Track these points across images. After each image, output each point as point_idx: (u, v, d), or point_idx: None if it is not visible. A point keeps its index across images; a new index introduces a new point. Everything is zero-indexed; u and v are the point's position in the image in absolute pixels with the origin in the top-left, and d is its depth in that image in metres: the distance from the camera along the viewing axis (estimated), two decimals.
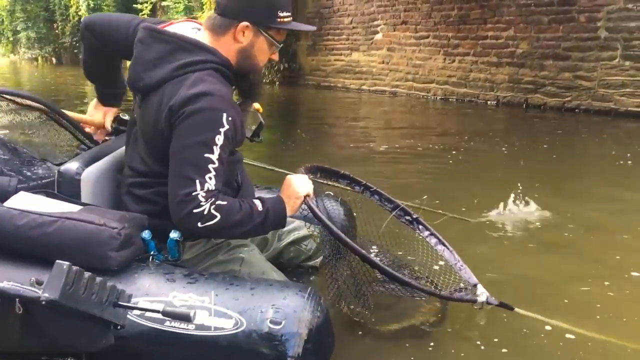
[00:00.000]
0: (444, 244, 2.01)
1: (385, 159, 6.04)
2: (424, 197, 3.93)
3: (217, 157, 1.69)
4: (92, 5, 22.63)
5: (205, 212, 1.66)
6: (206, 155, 1.68)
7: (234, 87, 1.91)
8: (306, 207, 1.99)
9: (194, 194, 1.65)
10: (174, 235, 1.72)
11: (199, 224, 1.67)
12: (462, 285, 1.96)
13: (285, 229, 2.10)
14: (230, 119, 1.72)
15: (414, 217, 2.10)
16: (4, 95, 2.09)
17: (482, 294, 1.93)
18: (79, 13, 24.70)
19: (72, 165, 1.89)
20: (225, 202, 1.71)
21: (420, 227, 2.05)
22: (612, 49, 8.84)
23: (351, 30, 13.83)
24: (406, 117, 9.94)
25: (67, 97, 13.34)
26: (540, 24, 9.74)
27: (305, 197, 1.90)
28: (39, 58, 29.73)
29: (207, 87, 1.73)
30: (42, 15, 28.41)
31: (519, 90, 10.21)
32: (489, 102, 10.67)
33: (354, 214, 2.51)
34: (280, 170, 3.07)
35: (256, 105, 2.05)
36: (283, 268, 2.17)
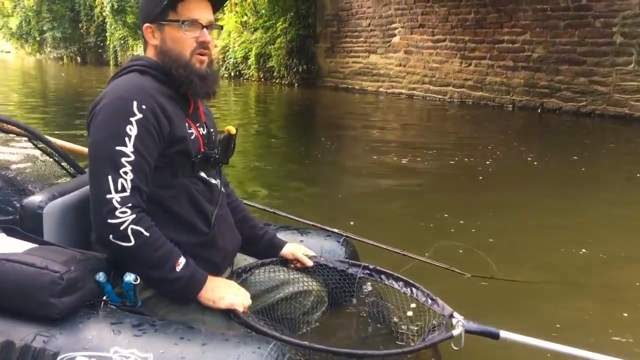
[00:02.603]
0: (410, 284, 1.86)
1: (410, 175, 5.52)
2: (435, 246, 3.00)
3: (131, 149, 1.49)
4: (116, 6, 23.08)
5: (121, 228, 1.47)
6: (117, 147, 1.49)
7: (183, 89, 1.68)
8: (295, 261, 1.94)
9: (107, 196, 1.47)
10: (128, 278, 1.51)
11: (111, 237, 1.48)
12: (434, 322, 1.75)
13: (278, 281, 1.91)
14: (143, 107, 1.52)
15: (371, 267, 1.95)
16: None
17: (458, 324, 1.67)
18: (104, 13, 25.23)
19: (35, 199, 1.71)
20: (147, 233, 1.50)
21: (382, 276, 1.91)
22: (627, 54, 8.89)
23: (369, 32, 13.98)
24: (428, 124, 9.83)
25: (92, 97, 13.67)
26: (556, 29, 9.81)
27: (231, 307, 1.60)
28: (64, 57, 30.39)
29: (118, 82, 1.61)
30: (67, 15, 29.04)
31: (535, 94, 10.28)
32: (504, 105, 10.76)
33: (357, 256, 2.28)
34: (302, 220, 2.59)
35: (228, 127, 1.81)
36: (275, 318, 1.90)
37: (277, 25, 15.93)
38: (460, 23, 11.54)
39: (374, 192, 4.83)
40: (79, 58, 29.56)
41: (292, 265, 1.97)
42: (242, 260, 1.94)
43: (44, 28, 30.34)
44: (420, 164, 5.96)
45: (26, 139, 2.20)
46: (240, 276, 1.85)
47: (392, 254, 2.55)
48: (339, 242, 2.24)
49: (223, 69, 18.18)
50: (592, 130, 8.56)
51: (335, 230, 2.34)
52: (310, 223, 2.45)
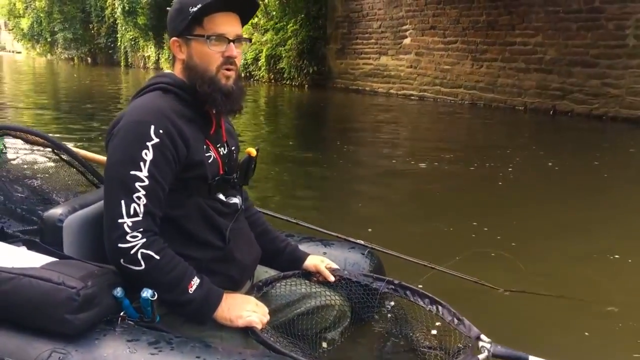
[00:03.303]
0: (436, 301, 1.79)
1: (430, 181, 5.40)
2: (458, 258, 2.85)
3: (146, 174, 1.47)
4: (127, 7, 23.19)
5: (132, 252, 1.46)
6: (132, 172, 1.47)
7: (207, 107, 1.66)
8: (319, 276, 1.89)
9: (119, 221, 1.46)
10: (145, 294, 1.48)
11: (122, 261, 1.48)
12: (459, 345, 1.68)
13: (300, 295, 1.87)
14: (161, 131, 1.50)
15: (396, 282, 1.89)
16: (13, 132, 2.09)
17: (485, 348, 1.60)
18: (115, 15, 25.36)
19: (55, 212, 1.71)
20: (158, 257, 1.48)
21: (407, 292, 1.86)
22: None
23: (380, 34, 13.97)
24: (442, 127, 9.72)
25: (103, 98, 13.77)
26: (569, 31, 9.77)
27: (248, 325, 1.56)
28: (75, 58, 30.56)
29: (139, 102, 1.59)
30: (78, 16, 29.19)
31: (547, 96, 10.25)
32: (516, 107, 10.73)
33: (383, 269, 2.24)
34: (325, 231, 2.46)
35: (249, 149, 1.78)
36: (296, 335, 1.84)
37: (288, 26, 15.94)
38: (472, 25, 11.52)
39: (395, 199, 4.75)
40: (89, 59, 29.71)
41: (315, 279, 1.93)
42: (264, 272, 1.91)
43: (55, 29, 30.52)
44: (440, 168, 5.86)
45: (50, 149, 2.20)
46: (261, 289, 1.82)
47: (418, 265, 2.47)
48: (364, 254, 2.19)
49: None
50: (608, 134, 8.48)
51: (360, 241, 2.29)
52: (334, 234, 2.38)
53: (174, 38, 1.65)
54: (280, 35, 16.28)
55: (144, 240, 1.48)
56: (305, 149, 7.30)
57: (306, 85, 15.52)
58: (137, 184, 1.47)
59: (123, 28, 24.87)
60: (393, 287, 1.90)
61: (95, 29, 28.30)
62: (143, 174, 1.48)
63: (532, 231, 3.76)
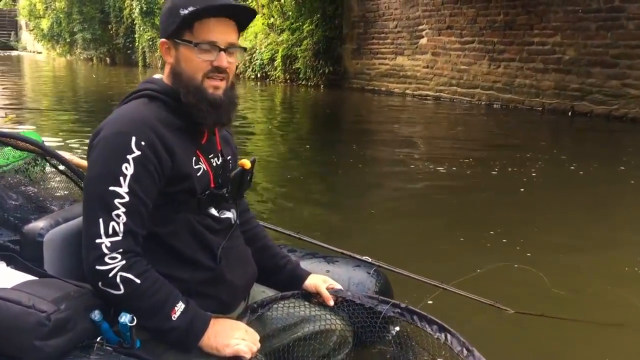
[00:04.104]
0: (445, 329, 1.67)
1: (448, 186, 5.26)
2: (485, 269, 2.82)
3: (126, 190, 1.37)
4: (145, 8, 23.33)
5: (110, 275, 1.36)
6: (111, 188, 1.37)
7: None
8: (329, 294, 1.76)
9: (97, 241, 1.36)
10: (124, 319, 1.38)
11: (100, 284, 1.37)
12: None
13: (298, 318, 1.74)
14: (143, 143, 1.39)
15: (402, 306, 1.76)
16: (3, 138, 2.02)
17: None
18: (133, 15, 25.52)
19: (35, 226, 1.61)
20: (138, 281, 1.38)
21: (415, 317, 1.73)
22: None
23: (396, 34, 13.87)
24: (460, 129, 9.52)
25: (121, 98, 13.82)
26: (588, 31, 9.60)
27: (236, 354, 1.45)
28: (94, 58, 30.78)
29: (121, 111, 1.49)
30: (97, 17, 29.40)
31: (565, 97, 10.08)
32: (533, 108, 10.58)
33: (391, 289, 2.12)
34: (339, 250, 2.32)
35: (243, 161, 1.65)
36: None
37: (304, 26, 15.89)
38: (489, 25, 11.37)
39: (408, 208, 4.59)
40: (108, 59, 29.91)
41: (315, 300, 1.80)
42: (260, 292, 1.80)
43: (75, 29, 30.75)
44: (459, 173, 5.69)
45: (40, 156, 2.13)
46: (256, 311, 1.70)
47: (429, 286, 2.34)
48: (369, 273, 2.06)
49: (249, 70, 18.23)
50: (630, 136, 8.29)
51: (366, 258, 2.17)
52: (339, 250, 2.26)
53: (162, 39, 1.54)
54: (296, 36, 16.24)
55: (124, 262, 1.37)
56: (318, 153, 7.24)
57: (322, 86, 15.46)
58: (117, 201, 1.37)
59: (141, 28, 25.00)
60: (399, 310, 1.77)
61: (113, 29, 28.48)
62: (123, 189, 1.37)
63: (554, 243, 3.58)
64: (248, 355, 1.45)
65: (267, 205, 4.46)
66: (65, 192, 2.18)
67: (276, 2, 17.23)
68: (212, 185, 1.56)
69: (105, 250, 1.36)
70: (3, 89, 15.22)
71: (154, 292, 1.40)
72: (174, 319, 1.40)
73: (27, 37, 44.49)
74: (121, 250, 1.37)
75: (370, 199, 4.95)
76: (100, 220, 1.36)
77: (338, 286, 1.83)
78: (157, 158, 1.41)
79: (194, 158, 1.52)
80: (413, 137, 8.53)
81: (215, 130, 1.62)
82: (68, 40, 32.63)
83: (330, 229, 3.86)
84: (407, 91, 13.61)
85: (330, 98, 13.81)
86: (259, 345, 1.50)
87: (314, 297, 1.80)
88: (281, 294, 1.79)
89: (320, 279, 1.83)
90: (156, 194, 1.44)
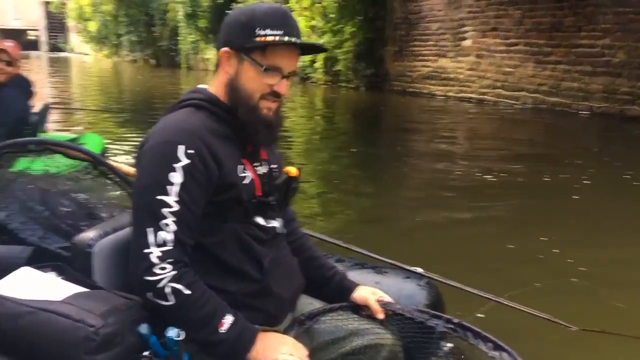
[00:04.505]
0: (500, 347, 1.59)
1: (497, 194, 5.05)
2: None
3: (175, 198, 1.36)
4: (189, 11, 23.71)
5: (159, 286, 1.35)
6: (158, 197, 1.36)
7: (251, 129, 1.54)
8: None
9: (145, 251, 1.35)
10: (171, 333, 1.36)
11: (149, 295, 1.36)
12: None
13: (346, 331, 1.67)
14: (191, 151, 1.39)
15: (455, 321, 1.67)
16: (54, 147, 2.04)
17: None
18: (177, 18, 25.97)
19: (85, 236, 1.61)
20: (188, 291, 1.36)
21: (468, 333, 1.64)
22: None
23: (439, 36, 13.73)
24: (506, 133, 9.23)
25: (165, 99, 14.08)
26: (639, 33, 9.31)
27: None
28: (139, 60, 31.46)
29: (168, 121, 1.48)
30: (142, 19, 30.01)
31: (614, 100, 9.79)
32: (580, 112, 10.31)
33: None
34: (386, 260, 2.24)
35: (288, 168, 1.63)
36: None
37: (345, 29, 15.88)
38: (536, 26, 11.14)
39: (458, 216, 4.46)
40: (152, 61, 30.49)
41: (364, 313, 1.73)
42: (308, 304, 1.74)
43: (121, 32, 31.51)
44: (508, 180, 5.52)
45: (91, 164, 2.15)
46: (303, 324, 1.64)
47: (481, 298, 2.23)
48: (420, 284, 1.99)
49: None
50: None
51: (417, 269, 2.10)
52: (388, 261, 2.19)
53: (226, 48, 1.51)
54: (338, 38, 16.23)
55: (174, 272, 1.35)
56: (362, 158, 7.13)
57: (362, 88, 15.42)
58: (165, 210, 1.36)
59: (184, 31, 25.42)
60: (452, 326, 1.67)
61: (158, 31, 29.04)
62: (171, 198, 1.36)
63: (612, 255, 3.43)
64: None
65: (313, 213, 4.39)
66: (115, 200, 2.19)
67: (318, 5, 17.27)
68: (259, 194, 1.55)
69: (155, 260, 1.35)
70: (60, 91, 15.65)
71: (203, 304, 1.38)
72: (222, 331, 1.38)
73: (75, 39, 45.78)
74: (171, 260, 1.36)
75: (416, 206, 4.85)
76: (149, 230, 1.35)
77: (388, 298, 1.77)
78: (205, 167, 1.41)
79: (240, 166, 1.52)
80: (458, 141, 8.41)
81: None
82: (114, 42, 33.46)
83: (379, 238, 3.78)
84: (450, 94, 13.45)
85: (372, 100, 13.75)
86: None
87: (362, 310, 1.74)
88: (329, 306, 1.74)
89: (369, 291, 1.77)
90: (204, 203, 1.43)
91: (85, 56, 40.25)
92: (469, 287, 2.20)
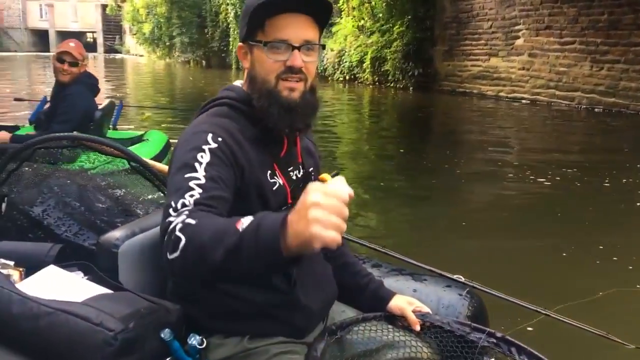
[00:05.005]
0: None
1: (552, 203, 4.74)
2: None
3: (202, 173, 1.25)
4: (239, 12, 23.98)
5: (173, 237, 1.10)
6: (187, 175, 1.25)
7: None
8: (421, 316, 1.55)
9: (167, 220, 1.15)
10: (193, 340, 1.32)
11: (168, 255, 1.11)
12: None
13: (381, 343, 1.55)
14: (220, 139, 1.31)
15: (499, 336, 1.55)
16: (88, 143, 2.02)
17: None
18: (228, 19, 26.35)
19: (111, 236, 1.58)
20: (195, 220, 1.11)
21: (512, 349, 1.53)
22: None
23: (490, 35, 13.42)
24: (561, 135, 8.80)
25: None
26: None
27: (313, 219, 0.95)
28: (191, 61, 32.06)
29: (198, 119, 1.42)
30: (194, 21, 30.60)
31: None
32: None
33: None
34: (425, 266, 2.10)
35: (322, 176, 1.50)
36: None
37: (394, 28, 15.74)
38: (592, 24, 10.74)
39: (506, 221, 4.26)
40: (204, 62, 31.03)
41: (400, 324, 1.62)
42: (340, 312, 1.65)
43: (173, 33, 32.18)
44: (562, 184, 5.27)
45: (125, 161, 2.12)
46: (334, 334, 1.54)
47: (528, 311, 2.07)
48: (462, 294, 1.83)
49: (338, 72, 18.30)
50: None
51: (458, 277, 1.94)
52: (427, 267, 2.05)
53: (239, 44, 1.44)
54: (386, 37, 16.11)
55: (183, 216, 1.13)
56: (409, 159, 6.99)
57: (411, 88, 15.23)
58: (193, 183, 1.23)
59: (235, 32, 25.73)
60: (494, 340, 1.55)
61: (209, 33, 29.51)
62: (199, 174, 1.25)
63: None
64: (334, 244, 1.00)
65: (351, 216, 4.28)
66: (150, 197, 2.16)
67: (367, 4, 17.18)
68: (290, 202, 1.44)
69: (172, 219, 1.14)
70: (116, 91, 16.08)
71: (214, 223, 1.13)
72: (241, 229, 1.06)
73: (130, 41, 47.08)
74: (182, 214, 1.16)
75: (462, 210, 4.69)
76: (172, 202, 1.20)
77: (425, 309, 1.67)
78: (233, 154, 1.33)
79: (270, 171, 1.42)
80: (509, 143, 8.15)
81: (297, 140, 1.51)
82: (167, 43, 34.21)
83: (419, 243, 3.68)
84: (501, 94, 13.12)
85: (420, 100, 13.56)
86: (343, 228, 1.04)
87: (398, 321, 1.64)
88: (362, 316, 1.64)
89: (406, 301, 1.67)
90: (232, 187, 1.31)
91: (140, 57, 41.35)
92: (515, 298, 2.07)
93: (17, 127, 4.59)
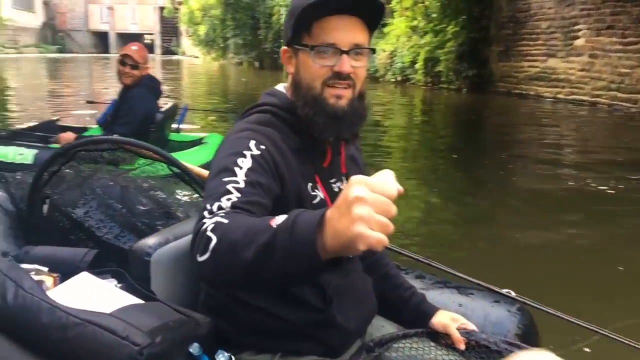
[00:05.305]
0: None
1: (613, 208, 4.58)
2: None
3: (242, 178, 1.17)
4: None
5: (204, 238, 1.02)
6: (226, 178, 1.17)
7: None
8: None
9: (201, 222, 1.07)
10: (221, 357, 1.29)
11: (198, 257, 1.03)
12: None
13: None
14: (263, 147, 1.24)
15: None
16: (127, 146, 2.01)
17: None
18: (280, 21, 26.56)
19: (144, 244, 1.55)
20: (228, 220, 1.04)
21: None
22: None
23: (548, 35, 13.00)
24: (624, 140, 8.28)
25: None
26: None
27: (357, 217, 0.82)
28: (244, 62, 32.49)
29: (239, 125, 1.35)
30: (248, 23, 30.99)
31: None
32: None
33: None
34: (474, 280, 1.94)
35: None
36: None
37: (448, 28, 15.48)
38: None
39: (564, 233, 3.99)
40: (256, 63, 31.36)
41: (444, 341, 1.53)
42: (379, 327, 1.58)
43: (228, 35, 32.70)
44: (627, 196, 4.96)
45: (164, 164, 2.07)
46: (372, 351, 1.47)
47: (585, 329, 1.88)
48: (511, 311, 1.71)
49: (389, 73, 18.13)
50: None
51: (508, 292, 1.79)
52: (474, 280, 1.88)
53: (283, 47, 1.37)
54: (440, 38, 15.86)
55: (221, 215, 1.06)
56: (462, 164, 6.73)
57: (464, 89, 14.93)
58: (231, 186, 1.15)
59: None
60: None
61: (262, 34, 29.82)
62: (239, 178, 1.17)
63: None
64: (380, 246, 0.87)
65: (395, 224, 4.16)
66: (191, 200, 2.11)
67: (420, 5, 16.95)
68: None
69: (205, 222, 1.06)
70: (177, 96, 16.41)
71: (247, 220, 1.04)
72: (274, 226, 0.96)
73: (186, 43, 48.14)
74: (217, 215, 1.09)
75: (516, 220, 4.47)
76: (208, 205, 1.12)
77: (471, 326, 1.57)
78: (276, 166, 1.26)
79: (311, 184, 1.35)
80: (568, 148, 7.82)
81: (342, 149, 1.43)
82: (221, 45, 34.79)
83: (467, 254, 3.52)
84: (559, 95, 12.68)
85: (474, 102, 13.26)
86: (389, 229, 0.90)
87: (441, 338, 1.55)
88: (403, 332, 1.56)
89: (450, 317, 1.58)
90: (272, 196, 1.24)
91: (195, 59, 42.19)
92: (569, 315, 1.92)
93: (85, 129, 4.72)
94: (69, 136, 3.86)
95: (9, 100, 13.45)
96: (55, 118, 5.62)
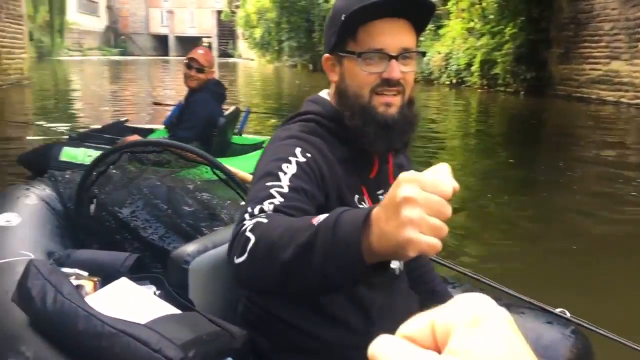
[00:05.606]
0: None
1: None
2: None
3: (286, 183, 1.11)
4: None
5: (242, 239, 0.98)
6: (269, 183, 1.12)
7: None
8: None
9: (241, 224, 1.02)
10: None
11: (235, 259, 0.98)
12: None
13: None
14: (309, 155, 1.18)
15: None
16: (173, 149, 2.03)
17: None
18: None
19: (183, 251, 1.53)
20: (267, 220, 0.99)
21: None
22: None
23: (612, 36, 12.48)
24: None
25: None
26: None
27: (407, 220, 0.73)
28: (298, 65, 32.70)
29: (282, 133, 1.30)
30: (302, 26, 31.20)
31: None
32: None
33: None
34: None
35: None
36: None
37: (506, 30, 15.11)
38: None
39: (624, 249, 3.75)
40: (310, 65, 31.48)
41: None
42: None
43: (282, 38, 33.02)
44: None
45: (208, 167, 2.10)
46: None
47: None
48: (565, 333, 1.61)
49: (444, 76, 17.85)
50: None
51: (563, 312, 1.69)
52: (526, 299, 1.78)
53: (325, 55, 1.30)
54: (497, 39, 15.50)
55: (262, 216, 1.01)
56: (519, 172, 6.43)
57: (521, 92, 14.53)
58: (273, 190, 1.10)
59: None
60: None
61: (317, 37, 29.93)
62: (283, 182, 1.11)
63: None
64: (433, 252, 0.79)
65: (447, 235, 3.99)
66: (234, 202, 2.11)
67: (477, 6, 16.62)
68: None
69: (245, 224, 1.02)
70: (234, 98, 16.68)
71: (288, 219, 1.00)
72: (316, 223, 0.90)
73: (242, 46, 48.89)
74: (258, 217, 1.04)
75: (575, 233, 4.21)
76: (250, 207, 1.07)
77: None
78: (322, 176, 1.20)
79: (357, 196, 1.28)
80: (634, 157, 7.43)
81: (390, 158, 1.36)
82: (276, 48, 35.15)
83: (519, 269, 3.34)
84: (623, 100, 12.16)
85: (533, 106, 12.86)
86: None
87: None
88: None
89: None
90: (317, 205, 1.18)
91: (251, 62, 42.75)
92: (630, 340, 1.79)
93: (151, 131, 4.82)
94: (134, 139, 3.94)
95: (75, 101, 13.94)
96: (123, 119, 5.73)
